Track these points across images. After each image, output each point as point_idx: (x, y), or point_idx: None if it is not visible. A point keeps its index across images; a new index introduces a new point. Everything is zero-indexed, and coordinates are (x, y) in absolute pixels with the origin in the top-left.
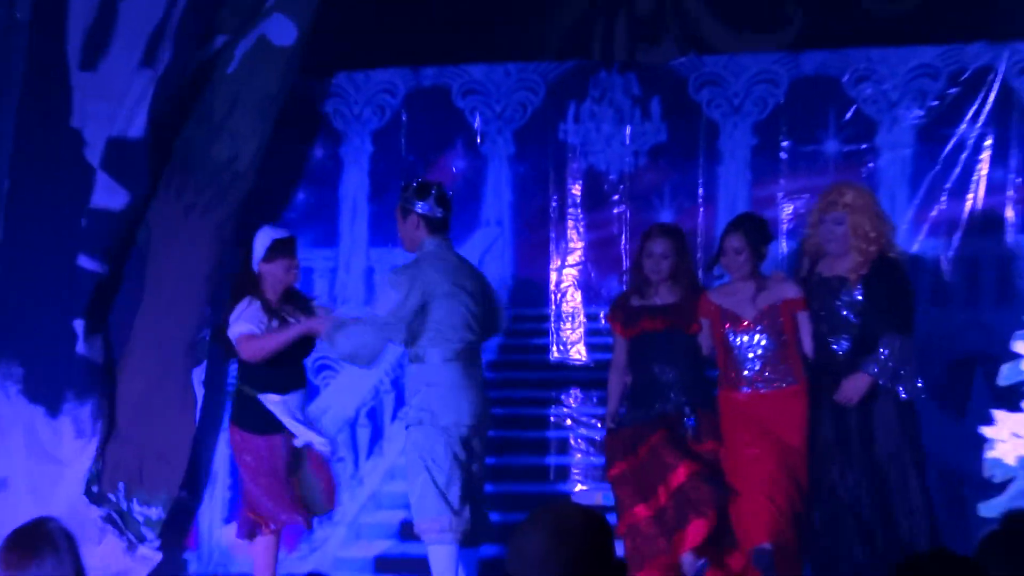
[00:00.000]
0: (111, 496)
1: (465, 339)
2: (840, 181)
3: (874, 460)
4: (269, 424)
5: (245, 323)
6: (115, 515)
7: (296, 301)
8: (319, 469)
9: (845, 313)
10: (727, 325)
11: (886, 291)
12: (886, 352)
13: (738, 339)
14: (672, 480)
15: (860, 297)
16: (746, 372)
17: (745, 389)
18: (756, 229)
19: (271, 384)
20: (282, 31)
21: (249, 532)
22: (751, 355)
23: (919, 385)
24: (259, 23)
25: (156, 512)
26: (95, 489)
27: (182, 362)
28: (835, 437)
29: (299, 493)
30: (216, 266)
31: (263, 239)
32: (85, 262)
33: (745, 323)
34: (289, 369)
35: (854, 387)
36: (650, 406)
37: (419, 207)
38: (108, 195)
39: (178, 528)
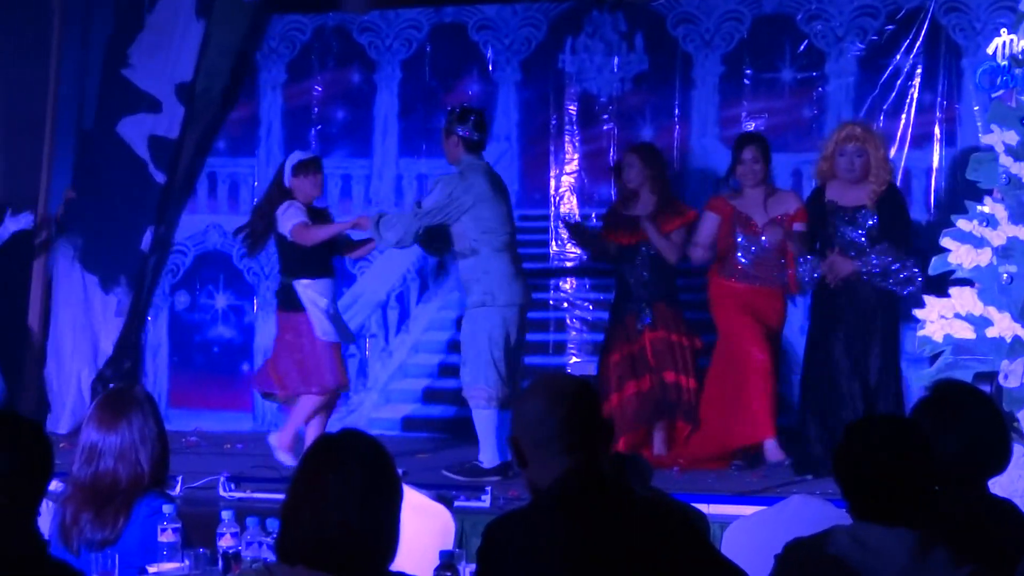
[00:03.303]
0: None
1: (509, 232)
2: (850, 120)
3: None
4: (297, 305)
5: (295, 214)
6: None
7: (322, 217)
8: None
9: (856, 237)
10: (738, 225)
11: (897, 217)
12: (906, 273)
13: (746, 238)
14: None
15: (874, 222)
16: (746, 267)
17: (742, 280)
18: (766, 143)
19: (301, 272)
20: None
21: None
22: (753, 252)
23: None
24: None
25: None
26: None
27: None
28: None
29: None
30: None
31: (292, 160)
32: (156, 174)
33: (755, 225)
34: (317, 260)
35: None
36: (624, 304)
37: (459, 130)
38: (168, 127)
39: None
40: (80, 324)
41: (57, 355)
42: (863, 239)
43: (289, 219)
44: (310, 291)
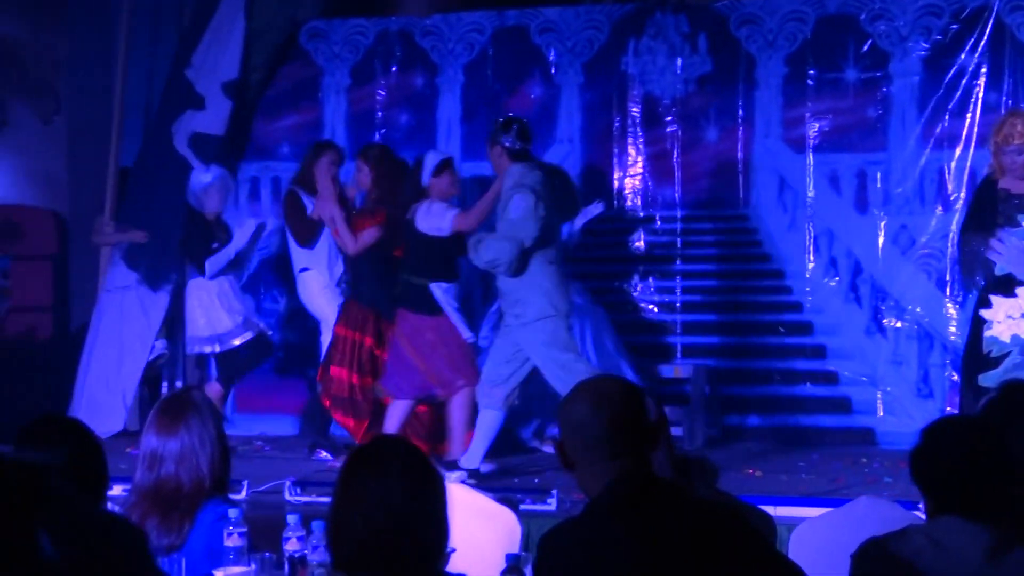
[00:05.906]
0: None
1: (558, 244)
2: (1012, 110)
3: None
4: (437, 308)
5: (447, 210)
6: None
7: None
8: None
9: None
10: None
11: None
12: None
13: None
14: None
15: None
16: None
17: None
18: None
19: (439, 274)
20: None
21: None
22: None
23: None
24: None
25: None
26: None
27: None
28: None
29: None
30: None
31: (431, 160)
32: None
33: None
34: (452, 263)
35: None
36: None
37: (504, 140)
38: (211, 123)
39: None
40: (124, 329)
41: (99, 356)
42: None
43: (440, 214)
44: (448, 295)
